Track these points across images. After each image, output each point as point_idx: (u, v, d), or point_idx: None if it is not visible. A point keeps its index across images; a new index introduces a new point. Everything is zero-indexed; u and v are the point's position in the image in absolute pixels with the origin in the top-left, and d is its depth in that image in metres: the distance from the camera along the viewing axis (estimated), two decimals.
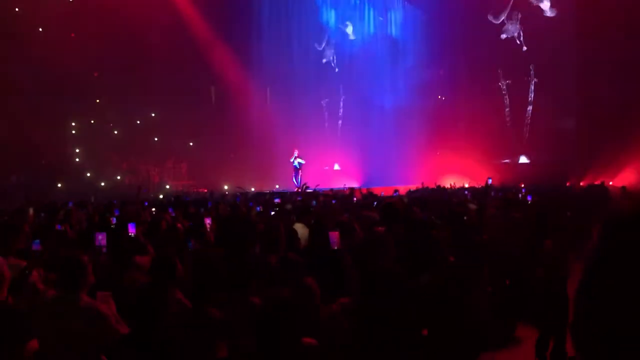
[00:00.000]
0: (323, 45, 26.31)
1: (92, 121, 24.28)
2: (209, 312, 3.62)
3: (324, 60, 26.35)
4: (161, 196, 19.22)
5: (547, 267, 5.87)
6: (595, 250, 1.67)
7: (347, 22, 26.52)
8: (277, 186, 22.46)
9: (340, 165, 25.35)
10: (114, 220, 8.05)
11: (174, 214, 9.22)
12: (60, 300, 3.52)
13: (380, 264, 4.62)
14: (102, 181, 22.83)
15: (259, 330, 2.92)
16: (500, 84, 24.08)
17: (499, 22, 23.65)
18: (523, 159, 23.68)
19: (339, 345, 3.65)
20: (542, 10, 22.95)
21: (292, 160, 21.42)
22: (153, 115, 24.88)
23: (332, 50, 26.58)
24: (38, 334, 3.44)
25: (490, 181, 15.45)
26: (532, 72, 23.44)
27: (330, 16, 27.00)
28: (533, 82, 23.47)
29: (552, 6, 22.59)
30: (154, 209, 11.24)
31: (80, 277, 3.51)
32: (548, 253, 5.90)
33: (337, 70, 26.46)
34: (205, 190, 21.21)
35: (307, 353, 2.96)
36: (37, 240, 5.19)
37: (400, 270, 4.28)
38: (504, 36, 23.70)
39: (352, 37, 26.49)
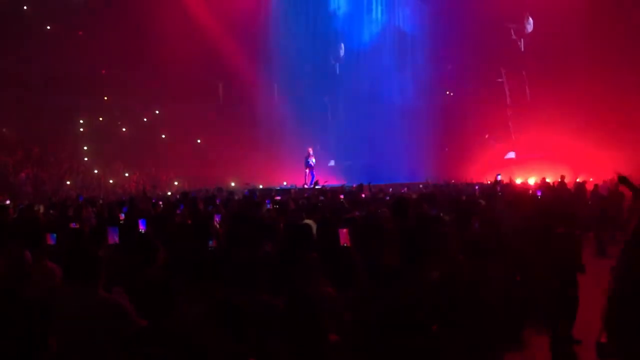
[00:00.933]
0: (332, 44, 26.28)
1: (100, 118, 24.39)
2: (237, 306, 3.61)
3: (332, 57, 26.29)
4: (169, 193, 19.29)
5: (556, 255, 5.99)
6: (631, 243, 1.70)
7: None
8: (284, 182, 22.46)
9: (346, 161, 25.28)
10: (122, 216, 8.09)
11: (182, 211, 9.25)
12: (79, 295, 3.56)
13: (385, 259, 4.62)
14: (110, 178, 22.94)
15: (291, 326, 2.91)
16: (500, 80, 24.17)
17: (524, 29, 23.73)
18: (510, 155, 24.01)
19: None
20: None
21: (309, 160, 21.27)
22: (159, 112, 24.92)
23: (341, 46, 26.51)
24: (58, 329, 3.49)
25: (499, 177, 15.37)
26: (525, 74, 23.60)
27: (340, 5, 26.90)
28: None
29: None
30: (161, 202, 11.33)
31: (97, 271, 3.58)
32: (556, 242, 6.04)
33: (345, 65, 26.42)
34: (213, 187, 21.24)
35: (333, 349, 2.97)
36: (54, 235, 5.22)
37: (407, 265, 4.28)
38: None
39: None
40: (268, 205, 9.70)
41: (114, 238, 5.08)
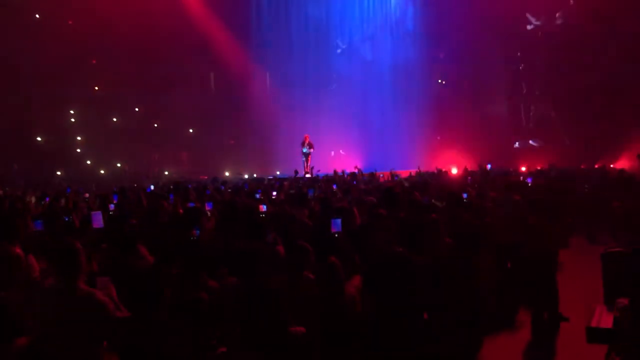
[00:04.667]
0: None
1: (92, 109, 24.21)
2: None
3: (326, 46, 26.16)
4: (160, 184, 19.20)
5: (532, 241, 6.14)
6: None
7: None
8: (277, 172, 22.42)
9: (342, 151, 25.25)
10: (112, 207, 8.07)
11: (173, 201, 9.22)
12: (57, 289, 3.50)
13: (379, 246, 4.64)
14: (102, 169, 22.82)
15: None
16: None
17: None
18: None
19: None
20: None
21: (305, 149, 21.08)
22: (151, 102, 24.72)
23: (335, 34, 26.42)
24: (36, 323, 3.45)
25: (489, 167, 15.47)
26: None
27: None
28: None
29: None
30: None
31: (75, 264, 3.47)
32: (531, 228, 6.20)
33: (338, 51, 26.36)
34: (206, 177, 21.17)
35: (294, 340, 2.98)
36: (39, 221, 5.18)
37: (402, 251, 4.30)
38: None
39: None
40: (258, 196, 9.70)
41: (98, 222, 5.01)
